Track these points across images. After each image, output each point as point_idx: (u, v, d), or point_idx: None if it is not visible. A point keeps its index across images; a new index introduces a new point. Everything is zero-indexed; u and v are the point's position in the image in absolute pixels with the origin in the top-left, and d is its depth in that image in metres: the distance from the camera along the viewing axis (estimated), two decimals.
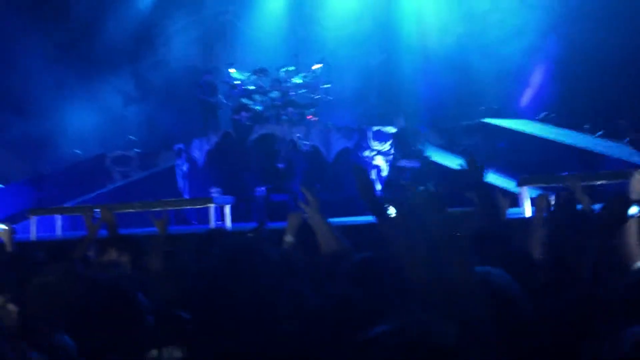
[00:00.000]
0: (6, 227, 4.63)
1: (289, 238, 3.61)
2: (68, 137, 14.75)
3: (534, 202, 3.43)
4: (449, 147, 12.39)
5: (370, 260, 2.72)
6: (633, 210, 2.60)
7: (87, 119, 14.88)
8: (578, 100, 12.39)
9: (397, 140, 9.02)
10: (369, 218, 3.14)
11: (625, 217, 2.36)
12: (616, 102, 12.02)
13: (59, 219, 8.76)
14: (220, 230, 5.55)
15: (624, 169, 9.01)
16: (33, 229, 8.49)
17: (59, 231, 8.65)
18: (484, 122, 12.19)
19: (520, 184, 7.60)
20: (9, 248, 4.44)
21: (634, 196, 3.80)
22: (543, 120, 12.65)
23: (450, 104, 13.95)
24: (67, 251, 4.18)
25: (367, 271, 2.61)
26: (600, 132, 11.85)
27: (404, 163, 8.88)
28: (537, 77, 13.66)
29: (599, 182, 7.81)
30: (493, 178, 9.84)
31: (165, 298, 2.55)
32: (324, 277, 2.80)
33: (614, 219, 2.27)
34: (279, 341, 1.88)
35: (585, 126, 12.05)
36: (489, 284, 1.73)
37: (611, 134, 11.37)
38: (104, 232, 4.32)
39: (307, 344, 1.90)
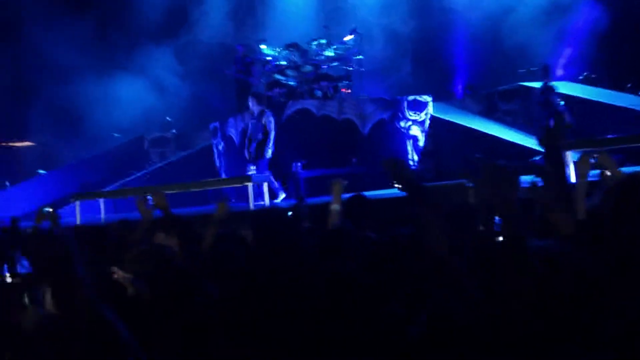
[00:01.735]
0: (51, 210, 4.67)
1: (335, 207, 3.54)
2: (106, 120, 14.98)
3: (575, 165, 3.37)
4: (488, 113, 12.09)
5: (403, 237, 2.70)
6: None
7: (124, 101, 15.05)
8: (620, 59, 11.88)
9: (544, 97, 8.86)
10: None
11: None
12: None
13: (102, 203, 8.94)
14: (270, 210, 5.49)
15: None
16: (77, 213, 8.69)
17: (102, 214, 8.83)
18: (522, 86, 11.82)
19: (562, 148, 7.32)
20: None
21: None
22: (584, 81, 12.21)
23: (488, 68, 13.56)
24: (112, 236, 4.21)
25: (400, 249, 2.59)
26: None
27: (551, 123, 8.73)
28: (576, 37, 13.12)
29: None
30: (534, 143, 9.56)
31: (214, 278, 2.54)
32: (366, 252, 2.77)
33: None
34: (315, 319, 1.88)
35: (628, 85, 11.57)
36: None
37: None
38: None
39: (342, 322, 1.90)
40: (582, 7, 12.91)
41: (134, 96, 15.15)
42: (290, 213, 4.76)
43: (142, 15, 15.96)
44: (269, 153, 8.56)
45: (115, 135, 14.98)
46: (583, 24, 12.94)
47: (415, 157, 10.80)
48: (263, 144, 8.48)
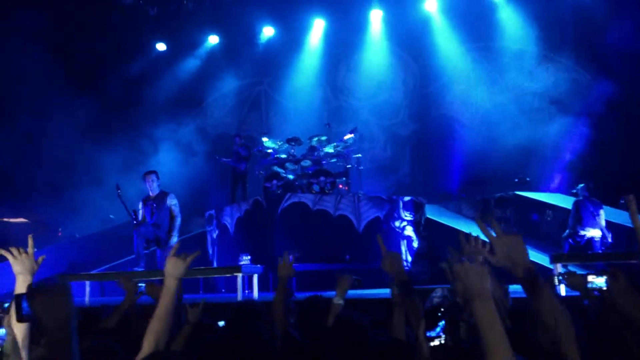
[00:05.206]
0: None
1: (338, 300, 3.48)
2: (103, 200, 15.01)
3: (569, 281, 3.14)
4: (482, 219, 12.16)
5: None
6: None
7: (121, 184, 15.12)
8: (613, 173, 12.10)
9: (577, 208, 9.35)
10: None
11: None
12: None
13: (87, 285, 8.76)
14: (250, 304, 5.39)
15: None
16: None
17: (87, 297, 8.63)
18: (516, 194, 11.98)
19: (553, 260, 7.19)
20: None
21: None
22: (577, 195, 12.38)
23: (482, 175, 13.83)
24: (94, 318, 4.11)
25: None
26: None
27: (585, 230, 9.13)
28: (569, 152, 13.45)
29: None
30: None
31: None
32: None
33: None
34: None
35: (621, 201, 11.70)
36: None
37: None
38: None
39: None
40: (579, 119, 13.32)
41: (132, 180, 15.26)
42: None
43: (149, 99, 16.47)
44: (175, 239, 8.21)
45: (111, 217, 14.95)
46: (579, 139, 13.27)
47: (409, 258, 10.74)
48: (171, 229, 8.18)
